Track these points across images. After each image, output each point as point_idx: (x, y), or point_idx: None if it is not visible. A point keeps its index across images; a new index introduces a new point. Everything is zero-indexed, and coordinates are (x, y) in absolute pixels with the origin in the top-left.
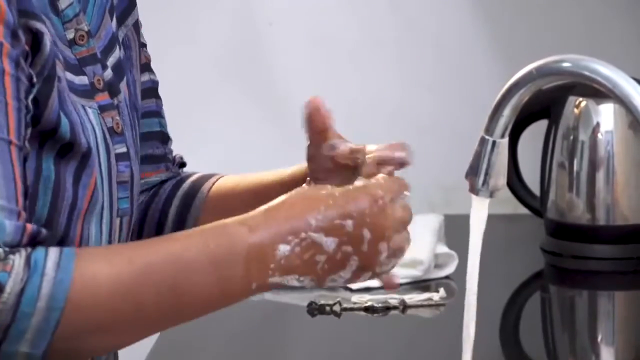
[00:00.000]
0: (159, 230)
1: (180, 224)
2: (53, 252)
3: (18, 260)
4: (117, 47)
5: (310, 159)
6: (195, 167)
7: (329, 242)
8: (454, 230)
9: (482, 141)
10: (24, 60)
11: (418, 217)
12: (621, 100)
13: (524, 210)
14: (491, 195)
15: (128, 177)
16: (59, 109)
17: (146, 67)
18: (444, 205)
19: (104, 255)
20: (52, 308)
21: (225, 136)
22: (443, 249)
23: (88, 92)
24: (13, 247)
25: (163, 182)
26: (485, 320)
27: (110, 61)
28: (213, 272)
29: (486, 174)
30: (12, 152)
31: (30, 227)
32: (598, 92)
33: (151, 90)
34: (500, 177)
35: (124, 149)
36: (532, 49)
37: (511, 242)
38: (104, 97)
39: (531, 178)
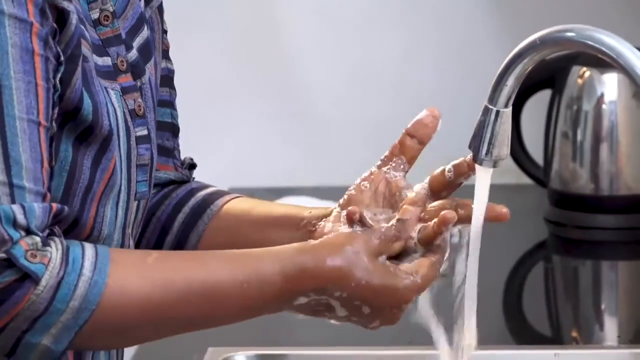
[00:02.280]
0: (161, 236)
1: (184, 235)
2: (89, 251)
3: (55, 253)
4: (145, 26)
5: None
6: (203, 159)
7: (341, 312)
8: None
9: (486, 111)
10: (52, 39)
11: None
12: (625, 70)
13: (527, 180)
14: (494, 165)
15: (148, 159)
16: (83, 89)
17: (165, 55)
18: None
19: (139, 269)
20: (84, 308)
21: (229, 114)
22: None
23: (111, 74)
24: (42, 230)
25: (175, 186)
26: (488, 290)
27: (137, 41)
28: (242, 306)
29: (489, 143)
30: (40, 134)
31: (55, 206)
32: (602, 62)
33: (166, 79)
34: (503, 146)
35: (144, 132)
36: (536, 18)
37: (514, 212)
38: (126, 79)
39: (534, 148)
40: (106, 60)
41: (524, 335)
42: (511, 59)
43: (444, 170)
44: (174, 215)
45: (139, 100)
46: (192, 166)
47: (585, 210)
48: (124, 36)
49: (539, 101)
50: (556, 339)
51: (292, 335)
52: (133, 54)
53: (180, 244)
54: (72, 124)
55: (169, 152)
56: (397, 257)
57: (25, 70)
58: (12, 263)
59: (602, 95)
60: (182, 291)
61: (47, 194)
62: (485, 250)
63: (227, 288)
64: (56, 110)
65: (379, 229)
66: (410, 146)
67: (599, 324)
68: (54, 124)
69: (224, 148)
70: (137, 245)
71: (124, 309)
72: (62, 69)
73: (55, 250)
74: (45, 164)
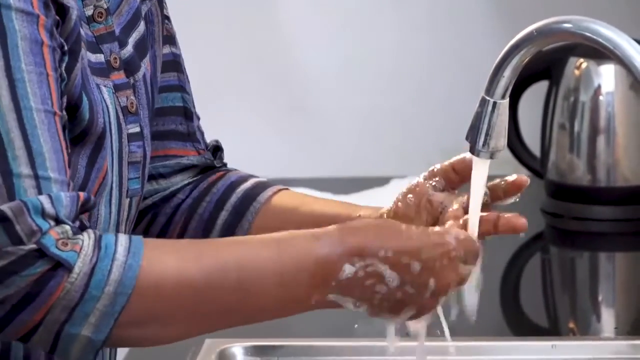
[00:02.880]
0: (205, 235)
1: (229, 234)
2: (122, 237)
3: (87, 240)
4: (142, 22)
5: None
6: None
7: (392, 277)
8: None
9: (483, 102)
10: (56, 29)
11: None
12: (622, 62)
13: (524, 171)
14: (492, 156)
15: (140, 157)
16: (81, 86)
17: (168, 40)
18: None
19: (173, 248)
20: (120, 293)
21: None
22: None
23: (104, 71)
24: (72, 220)
25: (213, 179)
26: (486, 281)
27: (134, 37)
28: (279, 281)
29: (487, 135)
30: (57, 123)
31: (82, 195)
32: (599, 53)
33: (172, 64)
34: (500, 138)
35: (137, 129)
36: (533, 9)
37: (511, 204)
38: (119, 76)
39: (532, 139)
40: (99, 57)
41: (522, 327)
42: (508, 50)
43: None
44: (217, 214)
45: (132, 97)
46: (216, 148)
47: (582, 202)
48: (117, 33)
49: (536, 92)
50: (553, 330)
51: (289, 327)
52: (127, 50)
53: None
54: (70, 126)
55: (184, 136)
56: None
57: (36, 62)
58: (43, 253)
59: (599, 86)
60: (217, 268)
61: (71, 183)
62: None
63: (264, 259)
64: (65, 100)
65: None
66: (451, 179)
67: (596, 315)
68: (64, 112)
69: (219, 139)
70: None
71: (161, 290)
72: (66, 59)
73: (87, 238)
74: (65, 153)
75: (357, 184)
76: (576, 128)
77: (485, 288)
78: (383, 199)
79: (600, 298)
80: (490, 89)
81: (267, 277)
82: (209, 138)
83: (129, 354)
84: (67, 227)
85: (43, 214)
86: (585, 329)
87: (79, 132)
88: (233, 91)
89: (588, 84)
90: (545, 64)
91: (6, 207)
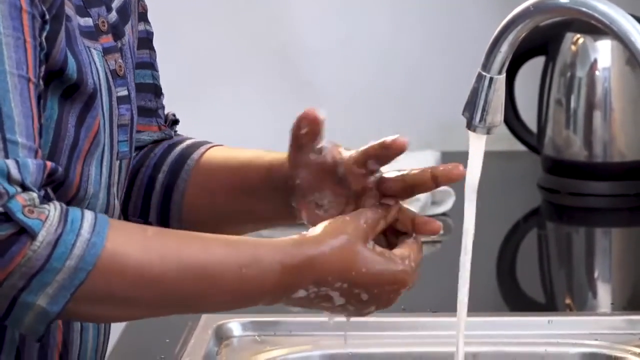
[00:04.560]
0: (146, 197)
1: (167, 194)
2: (88, 214)
3: (53, 211)
4: None
5: (293, 163)
6: (195, 128)
7: (339, 301)
8: None
9: (479, 77)
10: None
11: (414, 154)
12: (619, 37)
13: (520, 147)
14: (488, 131)
15: (128, 120)
16: (67, 49)
17: (142, 17)
18: (441, 142)
19: (137, 237)
20: (80, 269)
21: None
22: None
23: (92, 34)
24: (38, 188)
25: (155, 142)
26: (482, 257)
27: (115, 3)
28: (239, 291)
29: (483, 110)
30: (30, 90)
31: (49, 165)
32: (595, 28)
33: (145, 41)
34: (497, 113)
35: (125, 92)
36: None
37: (508, 179)
38: (107, 39)
39: (528, 115)
40: (87, 21)
41: (518, 302)
42: (505, 26)
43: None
44: (155, 175)
45: (120, 60)
46: (174, 122)
47: (579, 177)
48: None
49: (533, 68)
50: (550, 306)
51: None
52: (113, 15)
53: (165, 204)
54: (57, 82)
55: (151, 112)
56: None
57: (14, 27)
58: (9, 217)
59: (595, 61)
60: (180, 266)
61: (39, 151)
62: (479, 217)
63: (225, 269)
64: (43, 69)
65: (364, 212)
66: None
67: (593, 291)
68: (41, 82)
69: (215, 117)
70: (124, 209)
71: (120, 275)
72: (47, 27)
73: (53, 209)
74: (36, 121)
75: None
76: (573, 104)
77: (482, 264)
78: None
79: (596, 273)
80: (486, 64)
81: (227, 286)
82: (209, 117)
83: (126, 328)
84: (34, 195)
85: (9, 178)
86: (582, 305)
87: (66, 88)
88: (230, 69)
89: (584, 59)
90: (542, 39)
91: None
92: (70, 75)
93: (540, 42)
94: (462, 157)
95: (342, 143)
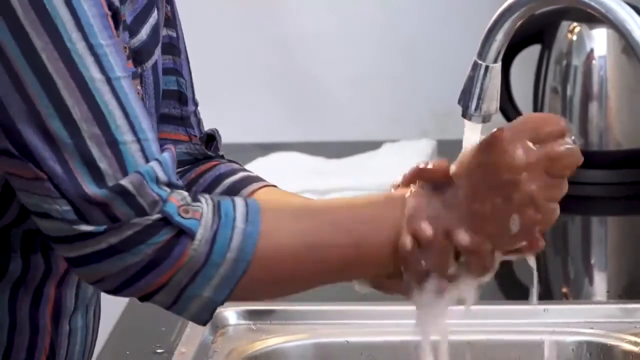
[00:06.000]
0: None
1: None
2: (240, 203)
3: (206, 207)
4: (155, 9)
5: None
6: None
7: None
8: (447, 156)
9: (475, 66)
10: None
11: (410, 143)
12: (615, 25)
13: None
14: (484, 120)
15: None
16: None
17: (166, 23)
18: (437, 131)
19: (289, 212)
20: (241, 259)
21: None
22: None
23: None
24: (177, 179)
25: (202, 171)
26: None
27: (149, 23)
28: (392, 235)
29: (479, 98)
30: (135, 85)
31: (173, 149)
32: (591, 16)
33: (168, 47)
34: (492, 102)
35: None
36: None
37: None
38: (127, 66)
39: (524, 103)
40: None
41: (514, 291)
42: (500, 14)
43: None
44: None
45: (138, 87)
46: (211, 137)
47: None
48: (128, 22)
49: (528, 56)
50: (545, 294)
51: None
52: (137, 40)
53: None
54: None
55: (177, 120)
56: None
57: (109, 36)
58: (168, 221)
59: (591, 50)
60: (334, 218)
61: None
62: None
63: (372, 209)
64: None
65: None
66: None
67: (588, 279)
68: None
69: (213, 103)
70: None
71: (279, 256)
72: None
73: (205, 204)
74: (146, 109)
75: (349, 148)
76: (568, 92)
77: None
78: (375, 162)
79: (592, 262)
80: (482, 52)
81: (377, 227)
82: (204, 102)
83: (122, 317)
84: (185, 194)
85: (158, 181)
86: (577, 293)
87: None
88: (226, 57)
89: (580, 47)
90: (538, 27)
91: (127, 182)
92: None
93: (536, 30)
94: (457, 146)
95: (336, 127)
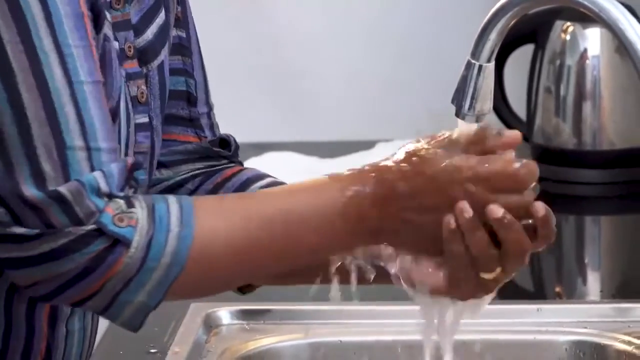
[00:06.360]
0: None
1: None
2: (174, 205)
3: (141, 212)
4: (162, 9)
5: None
6: None
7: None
8: None
9: (469, 65)
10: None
11: (403, 143)
12: (608, 25)
13: None
14: (477, 119)
15: (147, 148)
16: (101, 65)
17: (176, 23)
18: (430, 130)
19: (220, 210)
20: (175, 264)
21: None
22: None
23: (117, 59)
24: (122, 189)
25: (228, 176)
26: None
27: (156, 23)
28: (322, 229)
29: (472, 98)
30: (101, 91)
31: (129, 161)
32: (585, 16)
33: (177, 47)
34: (486, 101)
35: (145, 119)
36: None
37: None
38: (132, 65)
39: (517, 103)
40: (114, 45)
41: (507, 290)
42: (494, 13)
43: None
44: None
45: (143, 87)
46: (225, 142)
47: (568, 165)
48: (134, 21)
49: (522, 56)
50: (539, 294)
51: (275, 291)
52: (143, 39)
53: None
54: None
55: (185, 121)
56: None
57: (80, 37)
58: (101, 231)
59: (585, 50)
60: (265, 217)
61: (118, 147)
62: None
63: (303, 205)
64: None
65: None
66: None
67: (582, 279)
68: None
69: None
70: None
71: (211, 258)
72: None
73: (140, 209)
74: (109, 119)
75: (343, 148)
76: (562, 92)
77: None
78: (368, 162)
79: (585, 261)
80: (475, 52)
81: (307, 222)
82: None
83: None
84: (121, 202)
85: (98, 192)
86: (571, 293)
87: None
88: (218, 57)
89: (574, 47)
90: (531, 27)
91: (65, 189)
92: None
93: (530, 29)
94: None
95: (330, 127)
